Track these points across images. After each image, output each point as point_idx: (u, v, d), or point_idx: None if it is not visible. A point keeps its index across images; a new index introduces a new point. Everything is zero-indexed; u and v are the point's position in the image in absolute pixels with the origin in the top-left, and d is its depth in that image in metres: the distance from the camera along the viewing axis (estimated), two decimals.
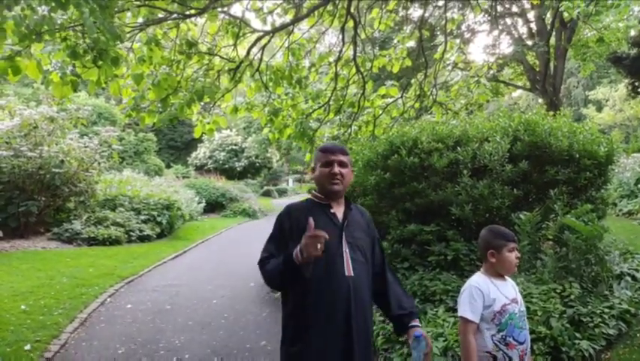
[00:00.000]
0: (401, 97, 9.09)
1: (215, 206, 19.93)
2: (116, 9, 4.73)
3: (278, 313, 5.70)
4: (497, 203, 4.96)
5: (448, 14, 13.42)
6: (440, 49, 9.55)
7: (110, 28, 4.12)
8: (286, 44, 7.39)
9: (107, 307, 6.21)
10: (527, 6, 16.80)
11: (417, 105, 9.34)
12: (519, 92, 23.64)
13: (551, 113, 6.08)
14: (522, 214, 4.69)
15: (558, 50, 16.31)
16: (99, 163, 11.74)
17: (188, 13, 6.07)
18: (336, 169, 2.13)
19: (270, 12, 7.51)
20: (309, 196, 2.29)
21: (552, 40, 16.46)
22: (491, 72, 13.15)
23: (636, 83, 18.26)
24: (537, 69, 16.90)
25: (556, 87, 16.61)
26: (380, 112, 8.80)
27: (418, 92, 9.23)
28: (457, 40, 13.22)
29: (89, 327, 5.41)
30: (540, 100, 17.83)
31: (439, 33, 14.71)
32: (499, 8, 16.14)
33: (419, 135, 5.59)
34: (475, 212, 4.99)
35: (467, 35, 16.80)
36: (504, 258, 2.32)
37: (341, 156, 2.16)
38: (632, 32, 14.56)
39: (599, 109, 28.48)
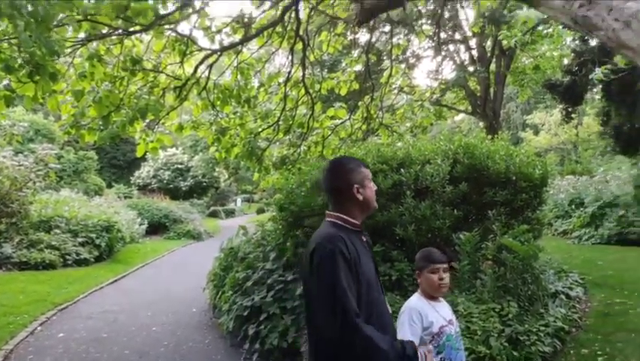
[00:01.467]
0: (349, 119, 9.23)
1: (158, 228, 19.27)
2: (55, 23, 4.55)
3: (221, 340, 5.58)
4: (439, 223, 5.08)
5: (394, 40, 13.85)
6: (386, 73, 9.81)
7: (47, 43, 3.94)
8: (235, 63, 7.35)
9: (36, 337, 5.81)
10: (469, 34, 17.62)
11: (364, 127, 9.51)
12: (461, 115, 24.64)
13: (490, 136, 6.36)
14: (462, 234, 4.82)
15: (498, 76, 17.17)
16: (34, 182, 11.13)
17: (133, 29, 5.92)
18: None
19: (219, 31, 7.46)
20: (330, 220, 1.91)
21: (492, 67, 17.31)
22: (435, 96, 13.63)
23: (569, 109, 19.49)
24: (478, 94, 17.69)
25: (496, 111, 17.42)
26: (329, 133, 8.88)
27: (365, 115, 9.40)
28: (403, 65, 13.66)
29: (14, 360, 5.03)
30: (481, 123, 18.63)
31: (385, 58, 15.12)
32: (443, 35, 16.86)
33: (365, 157, 5.68)
34: (418, 232, 5.09)
35: (412, 60, 17.37)
36: (426, 279, 2.39)
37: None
38: (566, 61, 15.53)
39: (536, 132, 30.09)
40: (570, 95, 17.31)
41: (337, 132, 9.15)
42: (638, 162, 11.42)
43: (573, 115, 20.99)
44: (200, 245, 17.56)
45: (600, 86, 15.50)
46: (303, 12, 7.76)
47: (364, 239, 1.96)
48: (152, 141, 6.81)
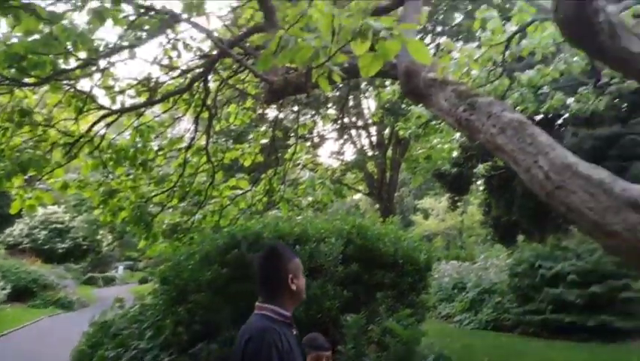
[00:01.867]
0: (250, 190, 9.20)
1: (23, 293, 17.01)
2: None
3: None
4: (329, 304, 5.06)
5: (301, 119, 14.45)
6: (291, 150, 10.07)
7: None
8: (135, 124, 7.11)
9: None
10: (370, 121, 18.91)
11: (264, 199, 9.51)
12: (360, 195, 25.75)
13: (383, 219, 6.65)
14: (349, 316, 4.84)
15: (394, 162, 18.41)
16: None
17: (26, 80, 5.54)
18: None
19: (122, 92, 7.24)
20: (263, 313, 1.95)
21: (389, 153, 18.56)
22: (336, 175, 14.17)
23: (456, 198, 21.24)
24: (375, 177, 18.74)
25: (390, 195, 18.48)
26: (227, 203, 8.74)
27: (267, 187, 9.45)
28: (308, 144, 14.16)
29: None
30: (377, 205, 19.56)
31: (292, 135, 15.66)
32: (346, 120, 17.92)
33: (262, 230, 5.62)
34: (308, 313, 5.02)
35: (317, 140, 18.13)
36: None
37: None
38: (455, 154, 17.06)
39: (426, 217, 32.16)
40: (457, 185, 18.94)
41: (237, 203, 9.03)
42: (514, 252, 12.52)
43: (459, 203, 22.88)
44: (69, 316, 15.76)
45: (483, 180, 17.15)
46: (213, 83, 7.84)
47: (294, 332, 2.00)
48: (30, 198, 6.22)
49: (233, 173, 12.03)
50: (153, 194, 7.50)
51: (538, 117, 7.70)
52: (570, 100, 6.93)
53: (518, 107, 6.20)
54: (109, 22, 4.86)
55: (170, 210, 8.26)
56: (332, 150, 20.41)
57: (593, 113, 7.16)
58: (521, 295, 9.16)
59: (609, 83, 6.28)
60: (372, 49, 2.41)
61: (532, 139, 2.97)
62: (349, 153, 20.71)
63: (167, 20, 5.62)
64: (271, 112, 15.72)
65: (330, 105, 16.85)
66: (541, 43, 5.26)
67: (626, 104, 12.32)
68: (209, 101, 7.62)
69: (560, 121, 12.62)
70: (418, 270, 5.56)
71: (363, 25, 2.32)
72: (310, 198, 10.38)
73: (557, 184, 2.76)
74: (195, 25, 5.68)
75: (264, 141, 10.58)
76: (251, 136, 9.97)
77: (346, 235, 5.59)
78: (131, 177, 7.26)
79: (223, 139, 9.61)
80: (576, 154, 3.14)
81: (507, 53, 4.97)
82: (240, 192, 9.01)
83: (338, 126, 17.41)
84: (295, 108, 15.86)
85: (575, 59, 5.98)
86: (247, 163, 9.12)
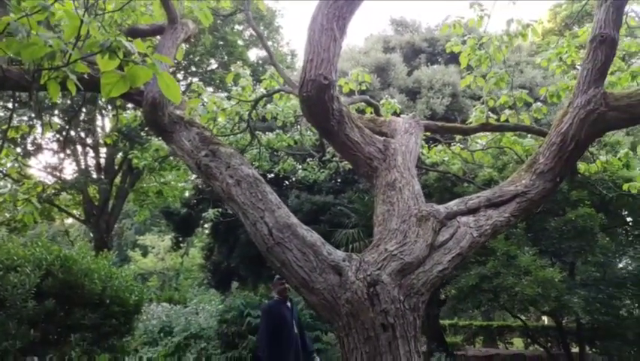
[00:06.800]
0: None
1: None
2: None
3: None
4: (6, 345, 4.18)
5: (16, 120, 12.24)
6: None
7: None
8: None
9: None
10: (101, 141, 17.32)
11: None
12: (72, 220, 22.88)
13: (96, 252, 5.99)
14: (33, 360, 4.09)
15: (121, 190, 17.13)
16: None
17: None
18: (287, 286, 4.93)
19: None
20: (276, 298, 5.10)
21: (117, 180, 17.23)
22: (47, 194, 12.33)
23: (180, 238, 20.94)
24: (96, 203, 17.04)
25: (110, 225, 17.02)
26: None
27: None
28: (18, 150, 12.02)
29: None
30: (92, 234, 17.72)
31: None
32: (73, 133, 16.01)
33: None
34: None
35: (31, 148, 15.56)
36: None
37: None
38: (187, 194, 16.92)
39: (145, 254, 30.64)
40: (184, 225, 18.76)
41: None
42: (226, 299, 12.89)
43: (182, 244, 22.64)
44: None
45: (210, 224, 17.43)
46: None
47: (288, 305, 5.11)
48: None
49: None
50: None
51: (270, 176, 8.40)
52: (299, 166, 7.80)
53: (255, 163, 6.62)
54: None
55: None
56: (49, 164, 17.73)
57: (315, 181, 8.21)
58: (226, 341, 9.40)
59: (330, 160, 7.33)
60: (120, 68, 2.20)
61: (262, 196, 3.18)
62: (70, 171, 18.42)
63: None
64: None
65: (56, 112, 14.82)
66: (284, 111, 5.83)
67: (339, 180, 14.61)
68: None
69: (286, 183, 14.06)
70: (125, 312, 5.14)
71: (115, 42, 2.10)
72: (7, 215, 8.67)
73: (278, 240, 3.00)
74: None
75: None
76: None
77: (46, 266, 4.80)
78: None
79: None
80: (297, 214, 3.49)
81: (253, 112, 5.31)
82: None
83: (61, 138, 15.37)
84: (9, 105, 13.40)
85: (308, 133, 6.82)
86: None
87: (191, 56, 16.10)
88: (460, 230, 3.03)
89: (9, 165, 10.33)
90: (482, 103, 5.03)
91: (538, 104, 5.40)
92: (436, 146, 6.10)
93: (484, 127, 4.91)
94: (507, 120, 5.22)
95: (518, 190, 3.30)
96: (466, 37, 5.24)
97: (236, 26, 17.14)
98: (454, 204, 3.20)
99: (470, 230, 3.04)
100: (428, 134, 5.25)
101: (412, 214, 3.08)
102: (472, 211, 3.17)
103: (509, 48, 5.13)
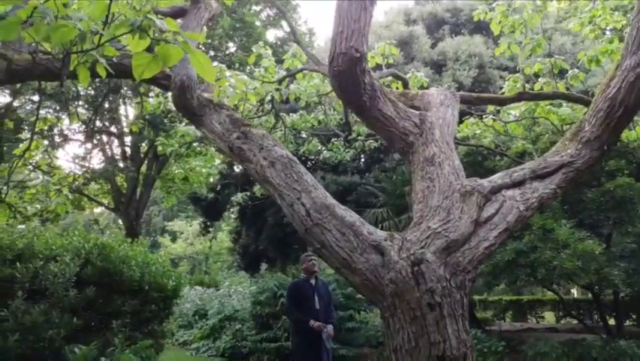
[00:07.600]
0: None
1: None
2: None
3: None
4: (51, 333, 4.26)
5: (42, 112, 12.40)
6: (23, 145, 8.45)
7: None
8: None
9: None
10: (126, 130, 17.50)
11: None
12: (102, 208, 23.33)
13: (130, 239, 6.04)
14: (77, 347, 4.16)
15: (148, 178, 17.32)
16: None
17: None
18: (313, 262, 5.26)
19: None
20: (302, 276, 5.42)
21: (144, 168, 17.42)
22: (76, 184, 12.53)
23: (208, 223, 21.18)
24: (124, 191, 17.29)
25: (139, 213, 17.27)
26: None
27: None
28: (46, 142, 12.22)
29: None
30: (121, 221, 18.03)
31: (26, 128, 13.26)
32: (98, 123, 16.19)
33: None
34: (23, 343, 4.12)
35: (58, 140, 15.81)
36: None
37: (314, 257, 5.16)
38: (212, 179, 17.05)
39: (174, 239, 31.18)
40: (211, 210, 18.95)
41: None
42: (258, 281, 12.99)
43: (210, 229, 22.91)
44: None
45: (237, 208, 17.56)
46: None
47: (312, 282, 5.25)
48: None
49: None
50: None
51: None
52: (323, 148, 7.70)
53: None
54: None
55: None
56: (76, 154, 18.02)
57: (340, 162, 8.09)
58: (261, 322, 9.48)
59: (356, 139, 7.19)
60: (148, 50, 2.12)
61: (298, 177, 3.10)
62: (97, 161, 18.70)
63: None
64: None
65: (81, 103, 14.97)
66: (307, 91, 5.70)
67: (364, 159, 14.46)
68: None
69: (309, 164, 13.98)
70: (164, 297, 5.18)
71: (146, 20, 2.02)
72: (38, 206, 8.83)
73: (316, 222, 2.93)
74: None
75: None
76: None
77: (85, 255, 4.85)
78: None
79: None
80: None
81: (277, 93, 5.21)
82: None
83: (87, 129, 15.55)
84: (36, 98, 13.56)
85: (332, 112, 6.69)
86: None
87: (210, 40, 16.01)
88: (506, 204, 2.90)
89: (39, 156, 10.52)
90: (518, 71, 4.82)
91: (575, 70, 5.15)
92: (468, 119, 5.91)
93: (521, 96, 4.72)
94: (541, 89, 5.01)
95: (564, 160, 3.14)
96: (494, 4, 5.02)
97: (254, 7, 16.94)
98: (497, 178, 3.07)
99: (517, 204, 2.91)
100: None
101: (454, 190, 2.96)
102: (517, 184, 3.03)
103: (543, 12, 4.90)
